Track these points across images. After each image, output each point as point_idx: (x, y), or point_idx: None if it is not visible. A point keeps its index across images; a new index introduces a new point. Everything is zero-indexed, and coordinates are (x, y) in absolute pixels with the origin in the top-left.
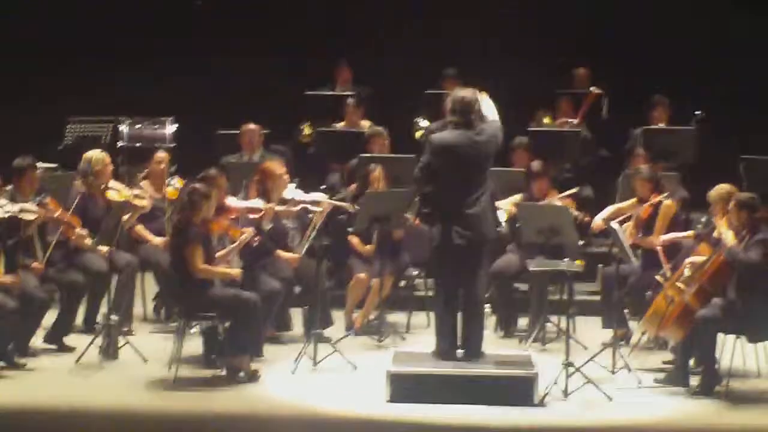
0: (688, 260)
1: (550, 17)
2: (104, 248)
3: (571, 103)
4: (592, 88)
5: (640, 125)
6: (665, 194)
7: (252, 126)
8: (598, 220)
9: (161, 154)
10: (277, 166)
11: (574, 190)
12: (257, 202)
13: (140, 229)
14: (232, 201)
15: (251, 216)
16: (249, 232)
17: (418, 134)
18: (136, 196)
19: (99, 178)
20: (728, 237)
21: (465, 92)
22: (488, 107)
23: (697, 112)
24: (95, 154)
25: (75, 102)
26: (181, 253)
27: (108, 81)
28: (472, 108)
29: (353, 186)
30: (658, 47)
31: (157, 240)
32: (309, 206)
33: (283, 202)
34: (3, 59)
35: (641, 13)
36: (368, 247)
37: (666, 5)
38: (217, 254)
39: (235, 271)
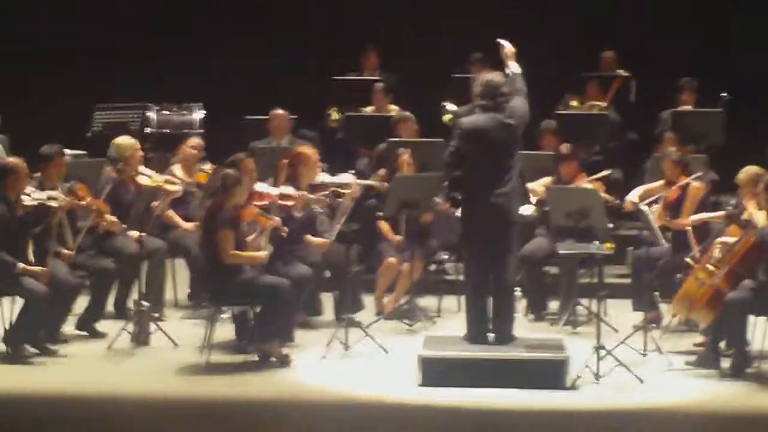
0: (717, 240)
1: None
2: (135, 233)
3: (599, 86)
4: (619, 71)
5: (669, 108)
6: (694, 176)
7: (280, 111)
8: (628, 200)
9: (196, 140)
10: (310, 151)
11: (604, 173)
12: (288, 189)
13: (171, 214)
14: (262, 186)
15: (282, 203)
16: (277, 222)
17: (445, 118)
18: (168, 181)
19: (129, 165)
20: (759, 218)
21: (492, 75)
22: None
23: (722, 94)
24: (125, 140)
25: (104, 90)
26: (212, 238)
27: (141, 65)
28: (500, 91)
29: (382, 170)
30: (684, 29)
31: (188, 225)
32: (338, 189)
33: (313, 187)
34: (29, 47)
35: None
36: (398, 237)
37: None
38: (247, 239)
39: (263, 254)
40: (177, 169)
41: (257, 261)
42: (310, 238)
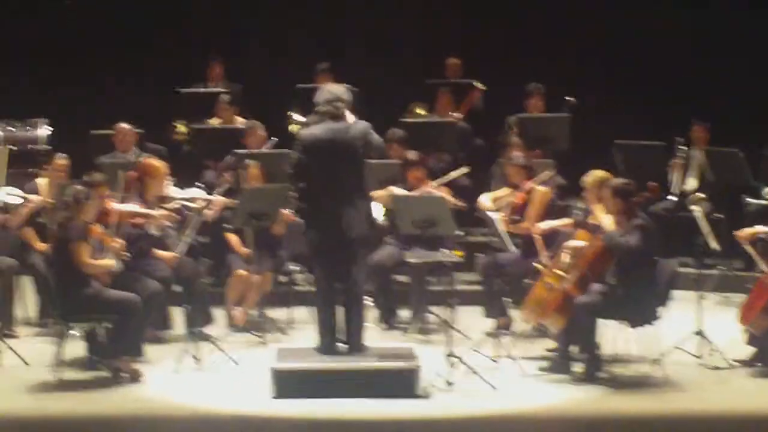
0: (566, 245)
1: (416, 9)
2: None
3: (450, 95)
4: (476, 84)
5: (516, 113)
6: (538, 179)
7: (124, 125)
8: (482, 202)
9: (62, 160)
10: (158, 163)
11: (454, 174)
12: (138, 207)
13: (28, 232)
14: (115, 205)
15: (135, 221)
16: (120, 244)
17: (292, 128)
18: (22, 197)
19: None
20: (606, 222)
21: (335, 86)
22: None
23: (568, 98)
24: None
25: None
26: (65, 251)
27: None
28: (341, 101)
29: (226, 176)
30: (529, 33)
31: (42, 246)
32: (187, 203)
33: (161, 200)
34: None
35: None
36: (246, 249)
37: None
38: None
39: (112, 262)
40: (42, 183)
41: (109, 267)
42: (159, 252)
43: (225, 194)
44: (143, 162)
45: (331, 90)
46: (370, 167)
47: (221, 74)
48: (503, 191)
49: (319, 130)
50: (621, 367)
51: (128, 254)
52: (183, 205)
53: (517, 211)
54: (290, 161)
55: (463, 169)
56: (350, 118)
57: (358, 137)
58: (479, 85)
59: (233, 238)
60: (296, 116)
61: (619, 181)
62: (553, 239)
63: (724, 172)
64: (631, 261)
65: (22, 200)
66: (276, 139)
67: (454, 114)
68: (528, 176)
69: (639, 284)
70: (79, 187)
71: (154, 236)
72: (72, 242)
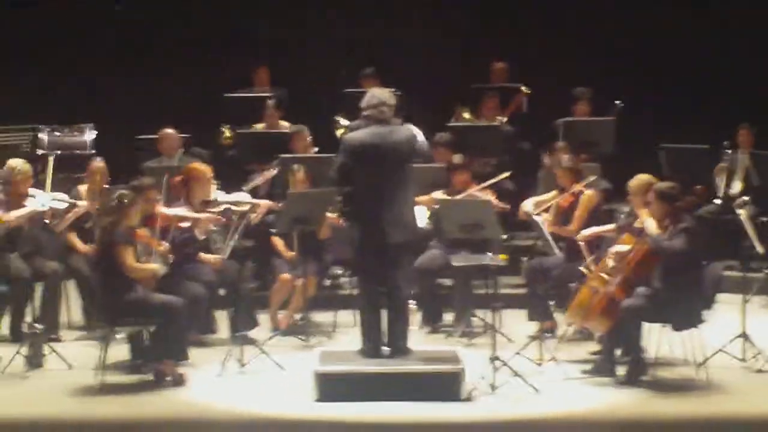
0: (611, 249)
1: (461, 12)
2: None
3: (496, 99)
4: (522, 87)
5: (562, 117)
6: (585, 182)
7: (169, 130)
8: (522, 209)
9: (99, 164)
10: (203, 167)
11: (502, 176)
12: (185, 211)
13: (72, 236)
14: (164, 209)
15: (182, 225)
16: (166, 247)
17: (339, 132)
18: (65, 201)
19: (16, 187)
20: (651, 226)
21: (380, 91)
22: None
23: (616, 102)
24: (16, 162)
25: None
26: (110, 254)
27: (25, 87)
28: (386, 106)
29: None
30: (576, 37)
31: (86, 248)
32: (232, 207)
33: (206, 204)
34: None
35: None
36: (291, 253)
37: None
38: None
39: (159, 266)
40: (83, 190)
41: (155, 271)
42: (203, 255)
43: (268, 194)
44: (188, 166)
45: (377, 94)
46: (415, 171)
47: (267, 79)
48: (549, 195)
49: (364, 134)
50: (665, 371)
51: (174, 258)
52: (228, 209)
53: (564, 214)
54: (335, 165)
55: (505, 174)
56: (396, 122)
57: (404, 141)
58: (524, 89)
59: (278, 242)
60: (342, 120)
61: (664, 184)
62: (597, 243)
63: None
64: (676, 264)
65: (67, 205)
66: (317, 148)
67: (499, 118)
68: (576, 179)
69: (684, 287)
70: (124, 191)
71: (199, 240)
72: (117, 246)
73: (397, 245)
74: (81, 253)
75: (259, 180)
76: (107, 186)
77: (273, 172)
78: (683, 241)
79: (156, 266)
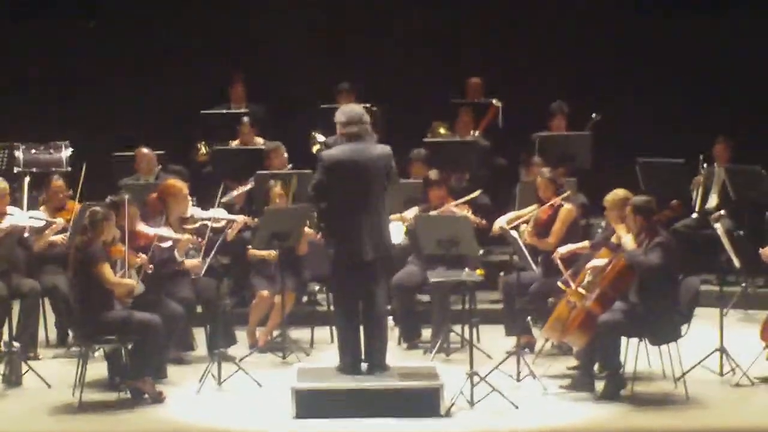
0: (588, 265)
1: (438, 29)
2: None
3: (471, 114)
4: (493, 101)
5: (538, 131)
6: (566, 194)
7: (145, 150)
8: (497, 225)
9: (59, 181)
10: (179, 183)
11: (471, 195)
12: (167, 231)
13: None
14: (144, 228)
15: (159, 244)
16: (144, 259)
17: (315, 148)
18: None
19: None
20: (628, 241)
21: (355, 107)
22: None
23: (593, 115)
24: None
25: None
26: (86, 272)
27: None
28: (361, 123)
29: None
30: (550, 53)
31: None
32: (209, 223)
33: (183, 220)
34: None
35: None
36: (273, 253)
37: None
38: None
39: (134, 282)
40: (44, 209)
41: (132, 287)
42: (186, 261)
43: (242, 210)
44: (164, 183)
45: (349, 111)
46: (391, 187)
47: (243, 95)
48: (525, 210)
49: (340, 151)
50: (643, 385)
51: (153, 275)
52: (204, 225)
53: (543, 225)
54: (312, 182)
55: (476, 193)
56: (371, 138)
57: (379, 158)
58: (495, 102)
59: (256, 252)
60: (319, 136)
61: (640, 199)
62: (574, 258)
63: (746, 189)
64: (653, 279)
65: (45, 223)
66: (291, 165)
67: (473, 132)
68: (555, 191)
69: (661, 302)
70: (96, 208)
71: (178, 261)
72: (93, 265)
73: (374, 261)
74: (57, 272)
75: (234, 193)
76: (82, 203)
77: (249, 185)
78: (659, 256)
79: (133, 282)
